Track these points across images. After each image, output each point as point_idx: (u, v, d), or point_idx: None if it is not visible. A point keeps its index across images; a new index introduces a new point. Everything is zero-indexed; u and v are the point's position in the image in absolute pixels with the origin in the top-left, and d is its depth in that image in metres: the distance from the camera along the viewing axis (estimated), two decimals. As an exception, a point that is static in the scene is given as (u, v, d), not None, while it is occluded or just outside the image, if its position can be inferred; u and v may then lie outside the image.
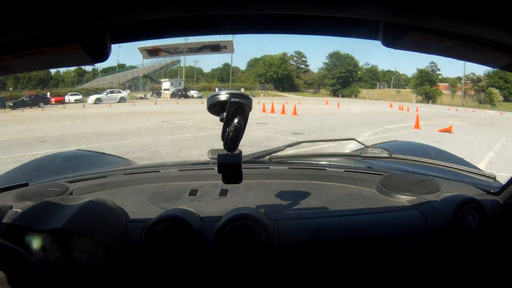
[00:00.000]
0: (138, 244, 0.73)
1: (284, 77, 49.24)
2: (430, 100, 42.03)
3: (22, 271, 0.46)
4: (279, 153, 1.16)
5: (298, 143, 1.25)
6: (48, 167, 1.38)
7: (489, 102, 41.76)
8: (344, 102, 28.19)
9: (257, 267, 0.73)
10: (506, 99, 43.02)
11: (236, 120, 0.63)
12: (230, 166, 0.68)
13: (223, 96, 0.64)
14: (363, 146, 1.14)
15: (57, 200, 0.78)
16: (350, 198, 0.90)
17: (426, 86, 45.42)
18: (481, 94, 43.62)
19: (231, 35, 0.58)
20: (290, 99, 29.60)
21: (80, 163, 1.45)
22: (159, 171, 1.09)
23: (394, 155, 1.08)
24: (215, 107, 0.65)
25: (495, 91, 43.09)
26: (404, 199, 0.87)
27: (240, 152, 0.69)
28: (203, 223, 0.76)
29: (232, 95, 0.63)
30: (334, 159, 1.27)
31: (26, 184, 0.99)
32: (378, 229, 0.78)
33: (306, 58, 53.63)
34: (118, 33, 0.52)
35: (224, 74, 52.02)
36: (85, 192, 0.96)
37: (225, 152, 0.68)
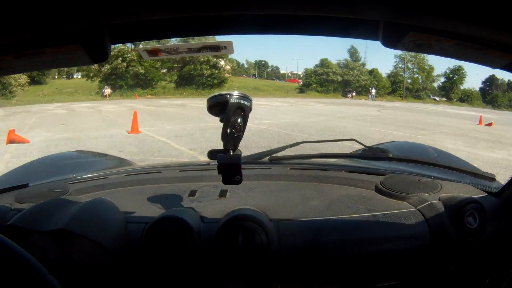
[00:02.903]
0: (138, 245, 0.73)
1: None
2: None
3: (16, 267, 0.46)
4: (279, 154, 1.17)
5: (298, 143, 1.25)
6: (48, 168, 1.38)
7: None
8: None
9: (257, 268, 0.73)
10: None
11: (236, 121, 0.63)
12: (230, 167, 0.68)
13: (223, 97, 0.64)
14: (363, 147, 1.15)
15: (57, 201, 0.78)
16: (350, 198, 0.89)
17: None
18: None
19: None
20: None
21: (80, 164, 1.45)
22: (160, 172, 1.09)
23: (394, 156, 1.08)
24: (215, 108, 0.65)
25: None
26: (404, 199, 0.87)
27: (240, 153, 0.69)
28: (204, 224, 0.76)
29: (232, 96, 0.63)
30: (334, 159, 1.27)
31: (26, 185, 0.99)
32: (379, 229, 0.78)
33: None
34: (118, 33, 0.52)
35: None
36: (85, 193, 0.96)
37: (225, 153, 0.68)
